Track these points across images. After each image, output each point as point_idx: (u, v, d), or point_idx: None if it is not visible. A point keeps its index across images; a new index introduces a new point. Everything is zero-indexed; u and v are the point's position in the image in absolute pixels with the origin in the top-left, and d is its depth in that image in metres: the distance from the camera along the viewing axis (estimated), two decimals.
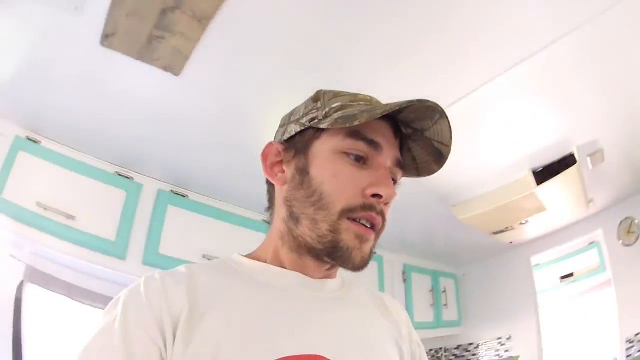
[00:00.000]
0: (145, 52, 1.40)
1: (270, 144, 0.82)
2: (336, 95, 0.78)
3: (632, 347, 2.91)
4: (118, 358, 0.59)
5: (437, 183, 2.75)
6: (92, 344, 0.62)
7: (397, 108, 0.68)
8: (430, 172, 0.82)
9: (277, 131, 0.85)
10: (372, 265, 3.59)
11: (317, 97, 0.79)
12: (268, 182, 0.84)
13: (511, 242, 3.72)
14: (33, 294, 1.98)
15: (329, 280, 0.80)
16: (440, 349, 4.62)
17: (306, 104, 0.81)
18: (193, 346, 0.61)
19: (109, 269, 2.07)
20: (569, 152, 2.52)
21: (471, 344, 4.42)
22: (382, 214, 0.73)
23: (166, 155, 2.16)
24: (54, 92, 1.76)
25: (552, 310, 3.99)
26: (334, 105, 0.75)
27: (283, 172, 0.79)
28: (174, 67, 1.46)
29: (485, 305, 4.36)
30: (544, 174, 2.62)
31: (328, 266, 0.78)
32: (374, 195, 0.71)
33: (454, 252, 4.23)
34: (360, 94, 0.78)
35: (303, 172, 0.75)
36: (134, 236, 2.11)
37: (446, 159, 0.78)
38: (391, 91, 1.32)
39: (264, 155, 0.82)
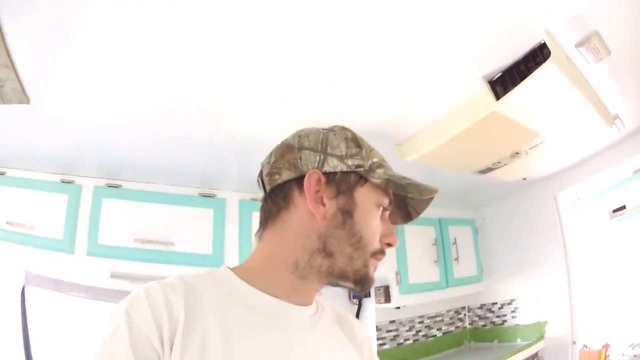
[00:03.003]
0: (3, 98, 1.68)
1: (315, 172, 0.81)
2: (370, 148, 0.86)
3: None
4: None
5: (371, 122, 2.07)
6: (100, 350, 0.67)
7: (426, 197, 0.84)
8: (396, 223, 0.93)
9: (303, 152, 0.83)
10: None
11: (358, 144, 0.85)
12: (275, 202, 0.85)
13: (524, 179, 2.87)
14: (34, 295, 2.33)
15: (307, 307, 0.85)
16: (463, 308, 3.95)
17: (346, 143, 0.84)
18: (185, 357, 0.66)
19: (62, 264, 2.27)
20: (537, 42, 1.63)
21: (495, 303, 3.67)
22: None
23: (99, 154, 2.27)
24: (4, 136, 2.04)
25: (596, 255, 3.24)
26: (375, 160, 0.84)
27: (324, 205, 0.80)
28: (22, 100, 1.71)
29: (508, 256, 3.62)
30: (506, 83, 1.76)
31: (317, 290, 0.86)
32: (389, 245, 0.84)
33: (464, 194, 3.43)
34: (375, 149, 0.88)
35: (348, 214, 0.80)
36: (78, 232, 2.29)
37: (412, 219, 0.94)
38: None
39: (309, 183, 0.81)
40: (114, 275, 2.30)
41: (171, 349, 0.66)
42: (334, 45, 1.53)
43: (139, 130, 2.02)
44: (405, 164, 2.27)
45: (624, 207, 3.04)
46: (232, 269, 0.84)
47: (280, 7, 1.33)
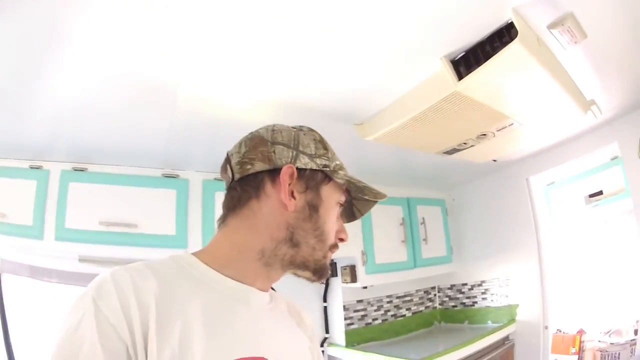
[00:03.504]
0: None
1: (290, 167, 0.85)
2: (333, 151, 0.92)
3: None
4: (89, 353, 0.62)
5: (330, 102, 1.97)
6: (65, 340, 0.65)
7: (379, 199, 0.96)
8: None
9: (277, 147, 0.87)
10: None
11: (325, 146, 0.91)
12: (245, 190, 0.87)
13: (495, 160, 2.77)
14: (10, 282, 2.33)
15: (265, 293, 0.88)
16: (433, 288, 3.91)
17: (315, 144, 0.90)
18: (165, 349, 0.65)
19: (33, 250, 2.29)
20: (504, 20, 1.49)
21: (465, 284, 3.62)
22: None
23: (66, 139, 2.22)
24: None
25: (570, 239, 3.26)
26: (338, 162, 0.90)
27: (295, 198, 0.85)
28: None
29: (479, 237, 3.57)
30: (470, 63, 1.62)
31: (279, 278, 0.90)
32: (342, 240, 0.91)
33: (434, 174, 3.32)
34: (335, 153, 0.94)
35: (314, 208, 0.86)
36: (47, 217, 2.27)
37: (355, 219, 1.02)
38: None
39: (285, 177, 0.85)
40: (82, 259, 2.32)
41: (144, 339, 0.66)
42: (295, 24, 1.41)
43: (103, 112, 1.95)
44: (374, 144, 2.19)
45: (600, 193, 2.98)
46: (195, 255, 0.85)
47: None
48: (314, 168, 0.87)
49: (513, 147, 2.52)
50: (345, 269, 3.11)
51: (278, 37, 1.47)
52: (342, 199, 0.92)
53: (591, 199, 3.05)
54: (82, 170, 2.40)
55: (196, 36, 1.44)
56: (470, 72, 1.61)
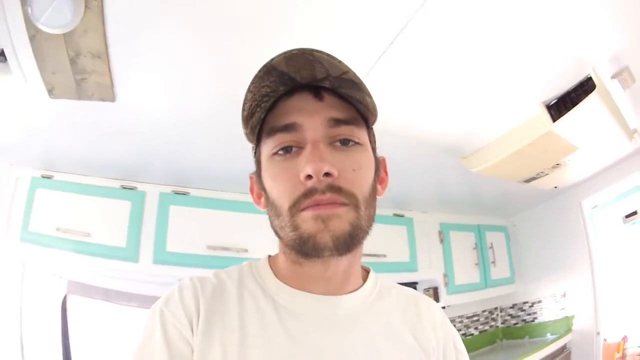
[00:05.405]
0: (80, 93, 1.61)
1: (250, 177, 0.82)
2: (247, 95, 0.71)
3: None
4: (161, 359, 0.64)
5: (440, 136, 2.46)
6: (138, 351, 0.67)
7: (265, 93, 0.68)
8: (371, 106, 0.74)
9: None
10: (400, 230, 3.36)
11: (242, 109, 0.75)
12: None
13: (556, 187, 3.32)
14: (76, 304, 2.32)
15: (344, 296, 0.76)
16: (495, 308, 4.33)
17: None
18: (206, 357, 0.65)
19: (125, 273, 2.29)
20: (585, 75, 2.13)
21: (526, 302, 4.08)
22: (332, 189, 0.65)
23: (165, 161, 2.29)
24: (59, 135, 2.01)
25: (614, 256, 3.59)
26: (246, 106, 0.71)
27: (261, 196, 0.78)
28: (106, 97, 1.64)
29: (538, 258, 4.01)
30: (560, 107, 2.25)
31: (328, 273, 0.73)
32: (308, 177, 0.64)
33: (498, 203, 3.87)
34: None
35: (264, 190, 0.73)
36: (143, 239, 2.28)
37: (358, 83, 0.68)
38: None
39: (250, 189, 0.82)
40: None
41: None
42: (411, 62, 1.74)
43: (210, 135, 2.05)
44: (452, 176, 2.75)
45: (635, 213, 3.49)
46: (270, 259, 0.82)
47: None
48: (254, 153, 0.80)
49: (573, 174, 3.11)
50: (427, 290, 3.56)
51: (395, 76, 1.79)
52: (271, 142, 0.70)
53: (627, 219, 3.56)
54: (184, 194, 2.45)
55: None
56: (560, 114, 2.23)
